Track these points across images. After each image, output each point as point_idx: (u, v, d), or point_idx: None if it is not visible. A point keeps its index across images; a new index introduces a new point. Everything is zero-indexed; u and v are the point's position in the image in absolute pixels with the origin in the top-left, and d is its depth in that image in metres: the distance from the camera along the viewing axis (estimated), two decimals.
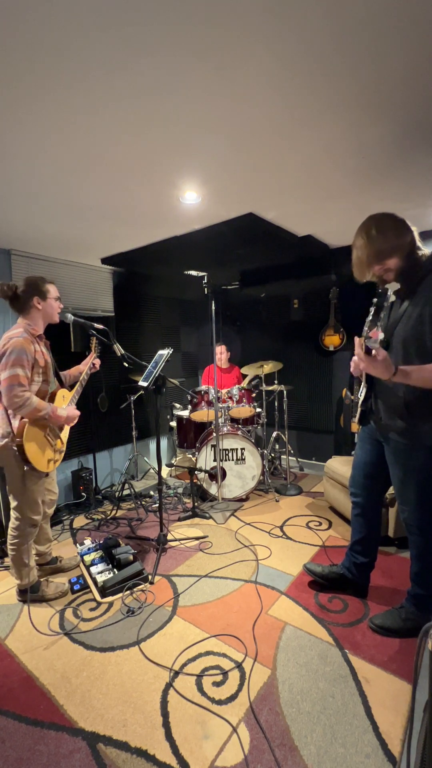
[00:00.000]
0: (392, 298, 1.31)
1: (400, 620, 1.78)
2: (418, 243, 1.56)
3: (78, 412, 2.17)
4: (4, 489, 2.67)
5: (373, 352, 1.42)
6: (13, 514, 2.07)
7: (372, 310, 1.38)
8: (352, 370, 1.77)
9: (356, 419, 1.84)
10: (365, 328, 1.44)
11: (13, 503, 2.06)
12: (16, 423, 1.93)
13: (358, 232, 1.58)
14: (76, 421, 2.16)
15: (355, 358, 1.71)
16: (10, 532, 2.07)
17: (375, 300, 1.36)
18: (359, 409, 1.81)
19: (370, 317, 1.41)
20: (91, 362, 2.39)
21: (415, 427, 1.60)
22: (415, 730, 1.27)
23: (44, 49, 1.14)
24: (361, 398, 1.78)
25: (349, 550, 2.05)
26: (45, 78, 1.25)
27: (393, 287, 1.33)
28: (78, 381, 2.33)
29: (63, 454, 2.21)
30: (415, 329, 1.51)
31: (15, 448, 1.93)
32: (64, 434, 2.22)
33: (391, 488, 1.86)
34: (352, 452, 2.00)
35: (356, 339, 1.46)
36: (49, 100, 1.36)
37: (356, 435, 1.96)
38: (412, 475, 1.67)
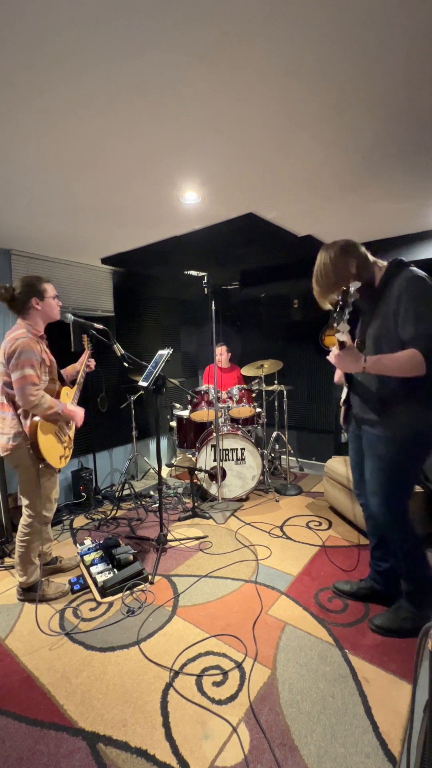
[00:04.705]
0: (355, 295, 1.45)
1: (398, 620, 1.78)
2: (370, 258, 1.67)
3: (83, 410, 2.19)
4: (4, 489, 2.67)
5: (347, 343, 1.53)
6: (25, 511, 2.09)
7: (337, 308, 1.48)
8: (336, 380, 1.87)
9: (341, 419, 1.90)
10: (334, 324, 1.51)
11: (25, 501, 2.08)
12: (27, 423, 1.95)
13: (314, 273, 1.71)
14: (82, 420, 2.17)
15: (338, 371, 1.81)
16: (21, 529, 2.08)
17: (339, 298, 1.47)
18: (342, 408, 1.87)
19: (335, 314, 1.49)
20: (85, 362, 2.35)
21: (385, 420, 1.65)
22: (415, 730, 1.27)
23: (44, 48, 1.14)
24: (343, 397, 1.85)
25: (371, 559, 2.00)
26: (44, 77, 1.25)
27: (355, 285, 1.46)
28: (75, 381, 2.32)
29: (72, 451, 2.22)
30: (384, 326, 1.61)
31: (29, 447, 1.95)
32: (71, 431, 2.23)
33: None
34: None
35: (327, 333, 1.57)
36: (48, 99, 1.36)
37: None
38: (380, 466, 1.70)
